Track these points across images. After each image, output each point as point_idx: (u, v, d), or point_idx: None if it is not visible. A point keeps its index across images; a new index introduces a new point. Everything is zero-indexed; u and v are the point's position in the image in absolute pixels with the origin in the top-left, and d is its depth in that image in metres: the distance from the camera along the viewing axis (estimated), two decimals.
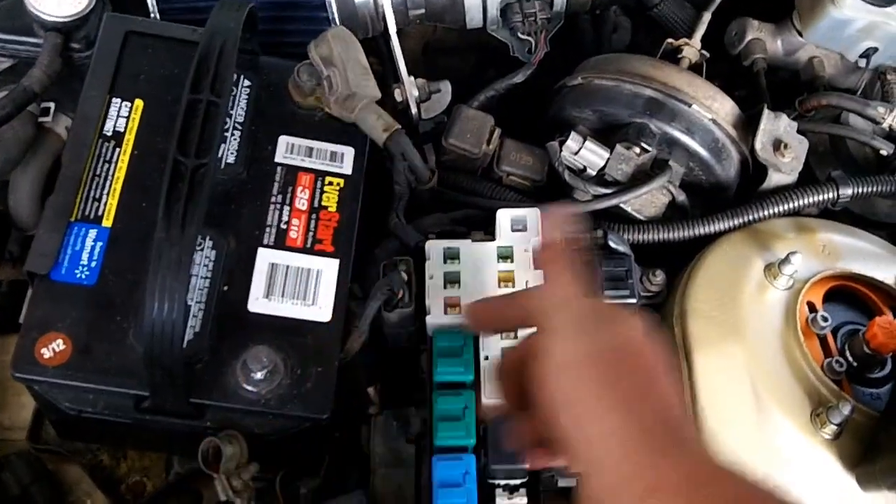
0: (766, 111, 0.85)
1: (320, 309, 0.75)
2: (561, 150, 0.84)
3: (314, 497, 0.76)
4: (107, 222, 0.75)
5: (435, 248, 0.76)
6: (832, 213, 0.86)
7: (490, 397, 0.69)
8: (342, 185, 0.81)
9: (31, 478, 0.83)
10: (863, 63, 0.94)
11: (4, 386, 0.86)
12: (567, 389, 0.51)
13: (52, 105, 0.87)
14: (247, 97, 0.82)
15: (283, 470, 0.77)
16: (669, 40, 0.92)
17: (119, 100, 0.80)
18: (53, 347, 0.71)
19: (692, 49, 0.91)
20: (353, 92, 0.80)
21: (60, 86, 0.85)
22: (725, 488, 0.48)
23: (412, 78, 0.89)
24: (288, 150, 0.81)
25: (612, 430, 0.49)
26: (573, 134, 0.83)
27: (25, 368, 0.70)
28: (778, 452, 0.72)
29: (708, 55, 0.92)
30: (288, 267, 0.76)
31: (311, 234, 0.78)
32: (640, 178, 0.83)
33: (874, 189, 0.84)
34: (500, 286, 0.75)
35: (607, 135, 0.85)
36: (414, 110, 0.89)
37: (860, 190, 0.84)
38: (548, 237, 0.61)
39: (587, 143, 0.83)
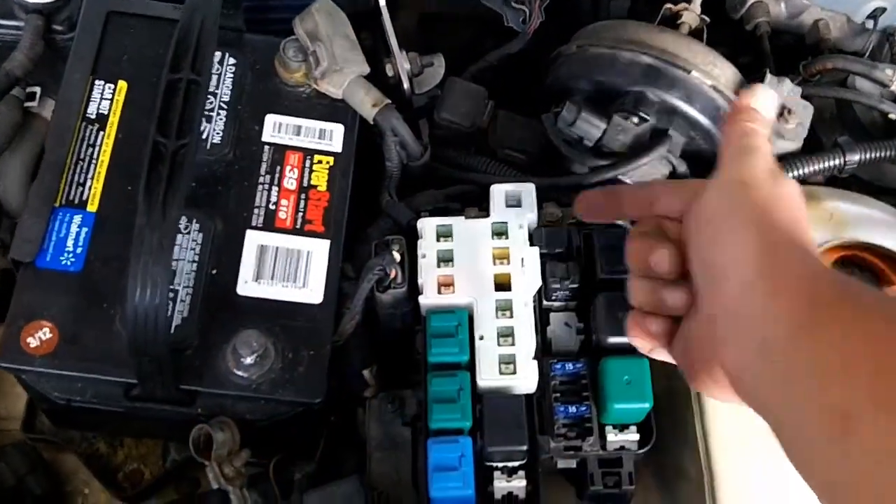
0: (768, 76, 0.82)
1: (311, 291, 0.74)
2: (556, 122, 0.82)
3: (309, 482, 0.75)
4: (92, 207, 0.74)
5: (427, 225, 0.74)
6: (839, 181, 0.84)
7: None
8: (332, 163, 0.79)
9: (27, 468, 0.82)
10: (870, 24, 0.91)
11: (0, 376, 0.85)
12: (721, 205, 0.55)
13: (37, 89, 0.86)
14: (232, 76, 0.80)
15: (277, 455, 0.75)
16: (668, 5, 0.89)
17: (102, 81, 0.79)
18: (40, 336, 0.70)
19: (692, 14, 0.88)
20: (340, 67, 0.79)
21: (46, 69, 0.84)
22: (845, 289, 0.49)
23: (404, 52, 0.86)
24: (275, 128, 0.79)
25: (756, 242, 0.52)
26: (568, 104, 0.81)
27: (11, 358, 0.69)
28: None
29: (708, 20, 0.89)
30: (277, 248, 0.75)
31: (300, 214, 0.76)
32: (638, 148, 0.80)
33: (882, 154, 0.82)
34: (494, 263, 0.73)
35: (605, 104, 0.82)
36: (406, 85, 0.86)
37: (868, 156, 0.81)
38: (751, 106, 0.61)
39: (583, 113, 0.80)
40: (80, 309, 0.71)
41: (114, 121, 0.77)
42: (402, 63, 0.86)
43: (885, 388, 0.44)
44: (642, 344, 0.62)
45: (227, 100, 0.79)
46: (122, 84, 0.79)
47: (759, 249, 0.52)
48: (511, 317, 0.71)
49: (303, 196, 0.77)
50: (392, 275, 0.74)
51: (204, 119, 0.77)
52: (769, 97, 0.61)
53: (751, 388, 0.51)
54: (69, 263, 0.72)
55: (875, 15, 0.91)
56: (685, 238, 0.58)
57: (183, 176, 0.64)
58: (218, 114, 0.78)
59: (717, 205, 0.56)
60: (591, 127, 0.81)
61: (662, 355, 0.62)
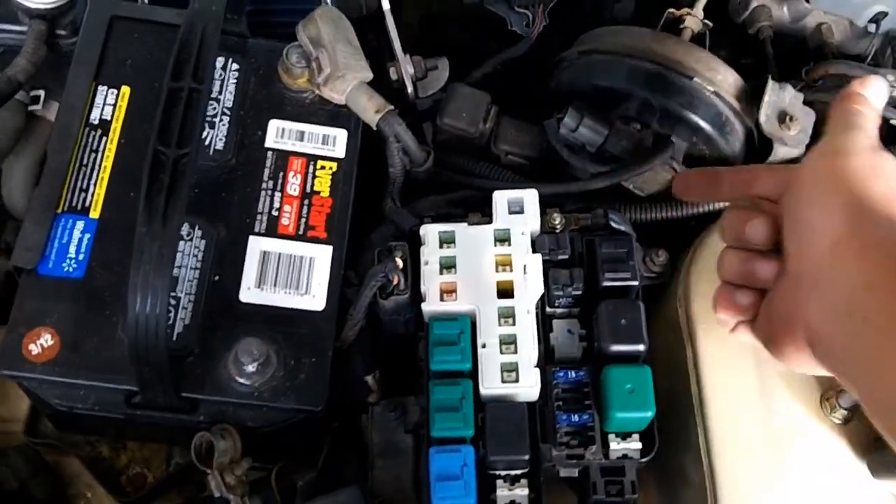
0: (770, 82, 0.82)
1: (314, 298, 0.74)
2: (559, 128, 0.82)
3: (311, 490, 0.74)
4: (94, 213, 0.74)
5: (430, 232, 0.74)
6: None
7: None
8: (335, 169, 0.79)
9: (30, 472, 0.82)
10: (872, 28, 0.91)
11: (3, 378, 0.85)
12: (824, 167, 0.57)
13: (42, 93, 0.85)
14: (235, 81, 0.80)
15: (279, 462, 0.75)
16: (671, 10, 0.89)
17: (105, 87, 0.79)
18: (41, 343, 0.69)
19: (694, 19, 0.88)
20: (342, 73, 0.78)
21: (50, 73, 0.83)
22: None
23: (408, 55, 0.86)
24: (278, 134, 0.79)
25: (849, 202, 0.54)
26: (571, 110, 0.81)
27: (13, 365, 0.69)
28: (787, 437, 0.70)
29: (711, 25, 0.89)
30: (280, 255, 0.75)
31: (303, 220, 0.76)
32: (641, 154, 0.80)
33: None
34: (497, 270, 0.73)
35: (607, 110, 0.82)
36: (410, 89, 0.86)
37: None
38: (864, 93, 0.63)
39: (585, 119, 0.80)
40: (81, 316, 0.70)
41: (117, 127, 0.77)
42: (406, 67, 0.85)
43: None
44: (728, 319, 0.63)
45: (230, 105, 0.79)
46: (126, 89, 0.79)
47: (852, 212, 0.53)
48: (514, 324, 0.71)
49: (306, 202, 0.77)
50: (395, 281, 0.73)
51: (207, 125, 0.77)
52: (881, 88, 0.63)
53: (833, 349, 0.53)
54: (71, 270, 0.72)
55: (877, 19, 0.90)
56: (782, 211, 0.60)
57: (184, 185, 0.64)
58: (221, 119, 0.78)
59: (816, 168, 0.58)
60: (593, 133, 0.80)
61: (744, 333, 0.63)
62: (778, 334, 0.58)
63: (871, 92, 0.62)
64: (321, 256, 0.75)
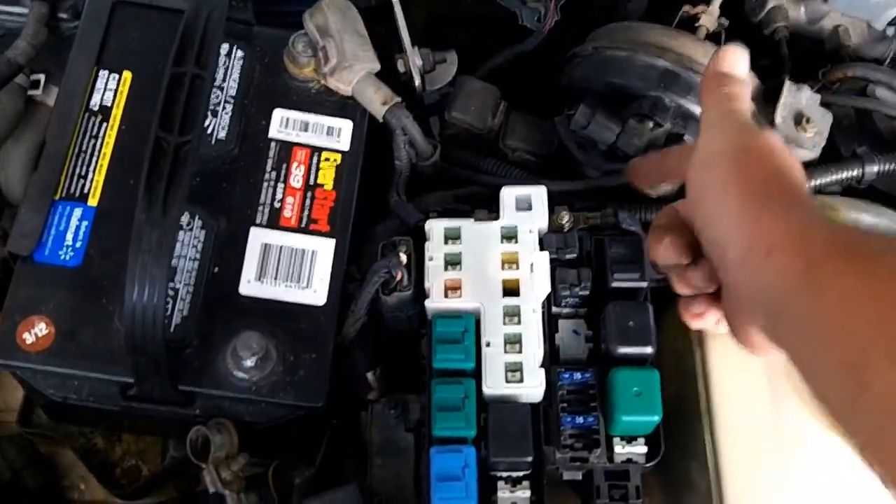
0: (787, 83, 0.80)
1: (315, 292, 0.72)
2: (569, 124, 0.80)
3: (308, 487, 0.73)
4: (93, 201, 0.73)
5: (435, 227, 0.73)
6: (857, 191, 0.82)
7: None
8: (339, 161, 0.77)
9: (23, 462, 0.81)
10: (891, 31, 0.89)
11: None
12: (703, 179, 0.56)
13: (42, 77, 0.84)
14: (240, 69, 0.79)
15: (276, 459, 0.74)
16: (686, 7, 0.87)
17: (106, 72, 0.77)
18: (36, 332, 0.68)
19: (710, 17, 0.86)
20: (350, 63, 0.77)
21: (51, 57, 0.82)
22: (839, 239, 0.49)
23: (416, 48, 0.85)
24: (282, 124, 0.78)
25: (737, 206, 0.53)
26: (582, 107, 0.79)
27: (7, 355, 0.68)
28: (795, 444, 0.68)
29: (727, 23, 0.87)
30: (281, 248, 0.73)
31: (305, 212, 0.75)
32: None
33: None
34: (503, 268, 0.71)
35: (619, 107, 0.81)
36: (417, 81, 0.85)
37: (887, 167, 0.79)
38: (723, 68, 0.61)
39: (597, 116, 0.79)
40: (77, 305, 0.69)
41: (117, 113, 0.76)
42: (414, 59, 0.84)
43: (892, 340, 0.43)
44: (700, 325, 0.62)
45: (233, 94, 0.77)
46: (127, 75, 0.77)
47: (750, 215, 0.52)
48: (519, 323, 0.69)
49: (309, 194, 0.75)
50: (398, 277, 0.72)
51: (209, 113, 0.75)
52: (739, 56, 0.61)
53: (777, 345, 0.51)
54: (68, 258, 0.71)
55: None
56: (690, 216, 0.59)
57: (185, 173, 0.63)
58: (224, 108, 0.76)
59: (703, 181, 0.56)
60: (604, 130, 0.79)
61: (724, 328, 0.61)
62: (740, 331, 0.57)
63: (734, 65, 0.60)
64: (323, 250, 0.74)
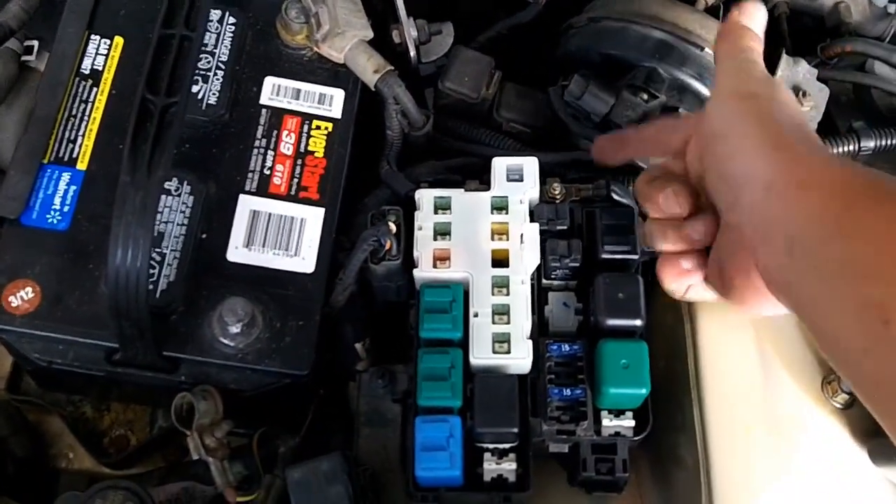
0: (784, 56, 0.79)
1: (303, 260, 0.72)
2: (563, 95, 0.79)
3: (293, 456, 0.72)
4: (81, 165, 0.72)
5: (425, 196, 0.72)
6: None
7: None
8: (330, 129, 0.77)
9: (10, 430, 0.80)
10: (892, 9, 0.89)
11: None
12: (723, 116, 0.55)
13: (35, 43, 0.83)
14: (231, 35, 0.78)
15: (262, 427, 0.73)
16: None
17: (98, 36, 0.77)
18: (22, 295, 0.68)
19: None
20: (342, 30, 0.76)
21: (44, 23, 0.81)
22: (876, 183, 0.48)
23: (412, 19, 0.84)
24: (274, 91, 0.77)
25: (763, 140, 0.52)
26: (576, 78, 0.78)
27: None
28: (786, 420, 0.68)
29: None
30: (270, 215, 0.73)
31: (295, 180, 0.74)
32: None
33: None
34: (493, 238, 0.71)
35: (614, 79, 0.80)
36: (412, 53, 0.84)
37: (883, 142, 0.79)
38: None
39: (591, 87, 0.78)
40: (64, 269, 0.69)
41: (108, 77, 0.75)
42: (409, 30, 0.83)
43: None
44: (678, 286, 0.61)
45: (225, 60, 0.76)
46: (119, 40, 0.76)
47: (775, 149, 0.51)
48: (507, 294, 0.69)
49: (299, 162, 0.75)
50: (387, 246, 0.71)
51: (200, 79, 0.75)
52: (759, 12, 0.60)
53: (785, 287, 0.51)
54: (55, 222, 0.70)
55: None
56: (694, 165, 0.59)
57: (171, 135, 0.62)
58: (215, 74, 0.76)
59: (723, 118, 0.55)
60: (598, 102, 0.78)
61: (698, 292, 0.61)
62: (734, 283, 0.56)
63: (753, 21, 0.60)
64: (313, 218, 0.73)
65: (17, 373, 0.83)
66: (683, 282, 0.60)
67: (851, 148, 0.78)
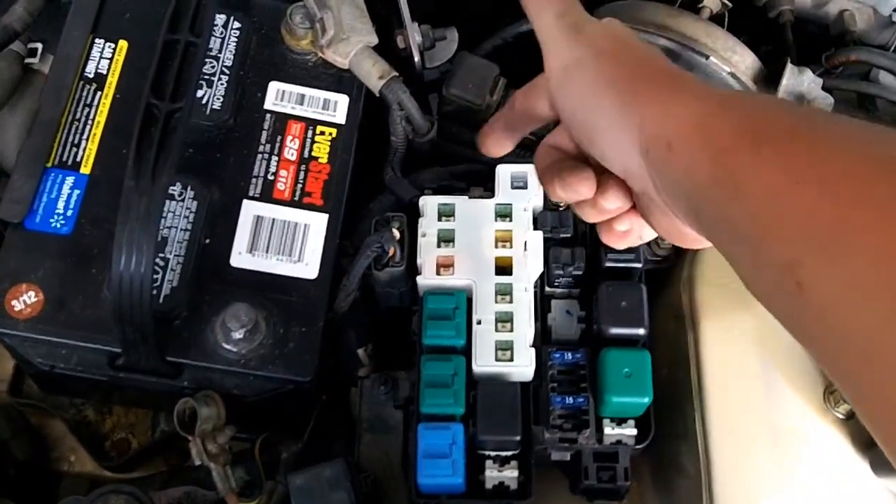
0: (789, 65, 0.79)
1: (307, 266, 0.71)
2: None
3: (296, 462, 0.73)
4: (85, 169, 0.72)
5: (429, 203, 0.72)
6: None
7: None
8: (334, 134, 0.77)
9: (11, 433, 0.80)
10: None
11: None
12: (568, 94, 0.52)
13: (39, 46, 0.83)
14: (236, 40, 0.77)
15: (264, 433, 0.73)
16: None
17: (102, 40, 0.76)
18: (25, 299, 0.68)
19: None
20: (347, 36, 0.76)
21: (48, 25, 0.81)
22: (747, 123, 0.43)
23: (416, 24, 0.84)
24: (278, 96, 0.77)
25: (615, 108, 0.49)
26: None
27: None
28: (787, 430, 0.68)
29: (730, 5, 0.86)
30: (274, 220, 0.73)
31: (299, 186, 0.74)
32: None
33: None
34: (496, 246, 0.71)
35: None
36: (417, 58, 0.84)
37: None
38: None
39: None
40: (67, 273, 0.69)
41: (112, 81, 0.75)
42: (413, 35, 0.83)
43: (826, 236, 0.38)
44: (627, 243, 0.57)
45: (229, 64, 0.76)
46: (123, 44, 0.76)
47: (624, 113, 0.48)
48: (511, 302, 0.69)
49: (303, 167, 0.75)
50: (391, 252, 0.71)
51: (204, 83, 0.74)
52: None
53: (715, 244, 0.47)
54: (59, 226, 0.70)
55: None
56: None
57: (175, 140, 0.62)
58: (219, 79, 0.75)
59: (567, 100, 0.52)
60: None
61: (649, 235, 0.57)
62: (669, 232, 0.53)
63: None
64: (316, 224, 0.73)
65: (19, 376, 0.83)
66: (628, 241, 0.57)
67: None
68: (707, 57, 0.77)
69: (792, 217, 0.39)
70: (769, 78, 0.81)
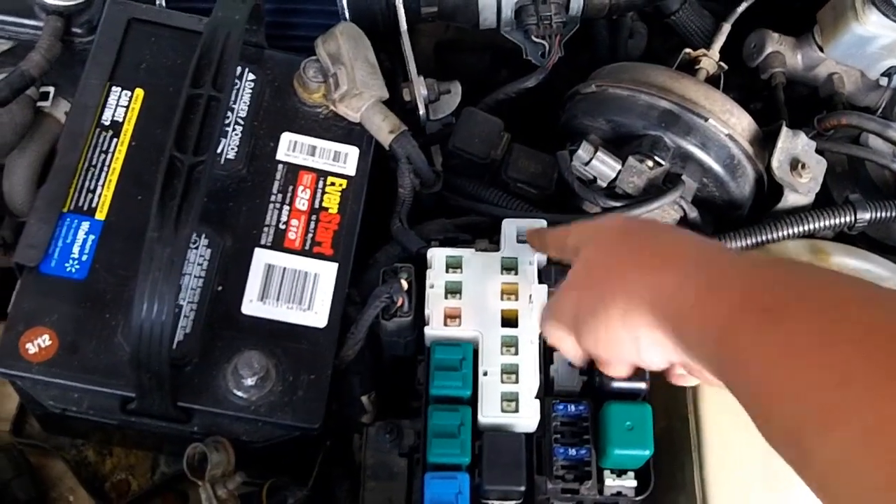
0: (784, 129, 0.82)
1: (316, 314, 0.73)
2: (571, 160, 0.82)
3: None
4: (100, 215, 0.73)
5: (437, 255, 0.74)
6: (848, 237, 0.84)
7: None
8: (344, 185, 0.78)
9: (13, 472, 0.81)
10: (884, 82, 0.92)
11: None
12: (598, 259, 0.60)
13: (51, 89, 0.85)
14: (250, 91, 0.80)
15: (269, 477, 0.74)
16: (687, 50, 0.89)
17: (119, 88, 0.78)
18: (39, 343, 0.69)
19: (710, 60, 0.88)
20: (359, 91, 0.78)
21: (61, 70, 0.83)
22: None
23: (422, 77, 0.86)
24: (290, 147, 0.79)
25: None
26: (584, 143, 0.81)
27: (9, 364, 0.68)
28: (785, 482, 0.69)
29: (726, 67, 0.89)
30: (285, 269, 0.74)
31: (310, 235, 0.76)
32: (651, 191, 0.80)
33: (892, 214, 0.82)
34: (502, 298, 0.72)
35: (620, 145, 0.82)
36: (422, 111, 0.86)
37: (878, 215, 0.81)
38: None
39: (599, 153, 0.80)
40: (81, 318, 0.70)
41: (128, 128, 0.77)
42: (419, 88, 0.85)
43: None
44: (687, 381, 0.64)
45: (243, 115, 0.78)
46: (139, 92, 0.78)
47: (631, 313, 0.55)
48: (516, 353, 0.70)
49: (313, 217, 0.76)
50: (399, 303, 0.73)
51: None
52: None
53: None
54: (73, 271, 0.71)
55: (890, 73, 0.91)
56: None
57: (198, 193, 0.64)
58: (234, 129, 0.77)
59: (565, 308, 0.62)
60: (605, 167, 0.80)
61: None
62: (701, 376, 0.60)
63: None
64: (326, 273, 0.75)
65: (22, 415, 0.84)
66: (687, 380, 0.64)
67: (848, 219, 0.81)
68: (706, 119, 0.80)
69: (792, 388, 0.43)
70: (763, 139, 0.83)
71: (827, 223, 0.80)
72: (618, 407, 0.68)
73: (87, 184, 0.74)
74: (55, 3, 0.81)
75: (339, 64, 0.78)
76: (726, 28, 0.92)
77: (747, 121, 0.82)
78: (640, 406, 0.68)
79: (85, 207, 0.73)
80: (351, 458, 0.77)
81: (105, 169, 0.75)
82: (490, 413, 0.68)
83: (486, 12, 0.90)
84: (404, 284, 0.73)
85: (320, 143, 0.79)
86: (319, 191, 0.78)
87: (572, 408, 0.70)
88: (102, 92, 0.77)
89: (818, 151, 0.84)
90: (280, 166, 0.78)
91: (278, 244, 0.75)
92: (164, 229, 0.62)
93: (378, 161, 0.81)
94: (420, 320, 0.73)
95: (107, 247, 0.72)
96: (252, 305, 0.72)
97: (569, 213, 0.81)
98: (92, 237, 0.72)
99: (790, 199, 0.81)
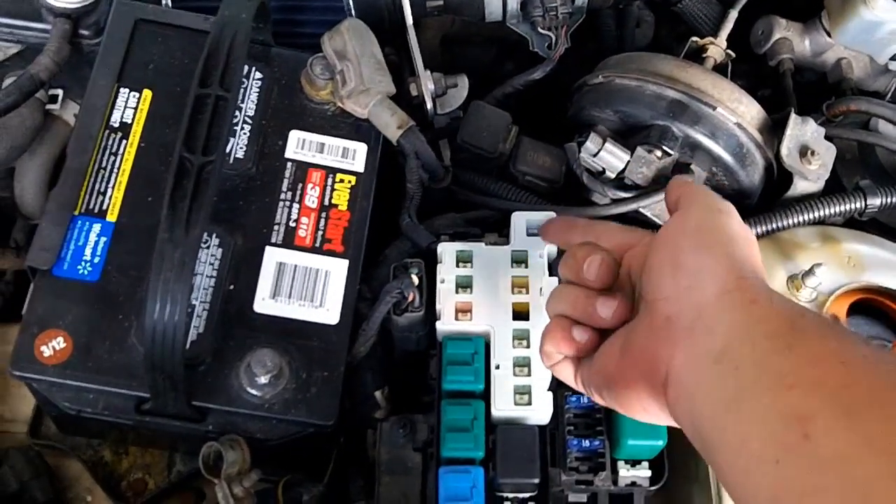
0: (792, 116, 0.82)
1: (328, 311, 0.73)
2: (580, 151, 0.82)
3: None
4: (111, 217, 0.74)
5: (447, 250, 0.74)
6: (858, 223, 0.83)
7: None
8: (353, 182, 0.79)
9: (31, 473, 0.81)
10: (893, 66, 0.92)
11: (6, 377, 0.84)
12: (697, 220, 0.57)
13: (60, 92, 0.85)
14: (258, 90, 0.80)
15: (284, 474, 0.75)
16: (694, 39, 0.89)
17: (127, 90, 0.78)
18: (53, 345, 0.69)
19: (717, 48, 0.88)
20: (366, 87, 0.78)
21: (69, 73, 0.83)
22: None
23: (428, 72, 0.86)
24: (299, 145, 0.79)
25: (725, 255, 0.54)
26: (592, 135, 0.81)
27: (24, 366, 0.68)
28: None
29: (734, 55, 0.89)
30: (296, 267, 0.74)
31: (320, 232, 0.76)
32: (660, 182, 0.80)
33: None
34: (513, 291, 0.73)
35: (628, 136, 0.82)
36: (429, 105, 0.86)
37: (889, 200, 0.81)
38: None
39: (607, 144, 0.80)
40: (94, 319, 0.70)
41: (137, 130, 0.77)
42: (426, 83, 0.85)
43: (848, 397, 0.44)
44: (553, 351, 0.62)
45: (251, 114, 0.79)
46: (147, 93, 0.78)
47: (739, 266, 0.53)
48: (528, 347, 0.71)
49: (323, 214, 0.77)
50: (410, 298, 0.73)
51: None
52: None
53: (694, 393, 0.51)
54: (86, 273, 0.71)
55: None
56: (636, 261, 0.61)
57: (208, 193, 0.64)
58: (242, 128, 0.78)
59: (705, 220, 0.57)
60: (614, 158, 0.80)
61: (565, 372, 0.62)
62: (628, 375, 0.56)
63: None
64: (337, 270, 0.75)
65: (38, 417, 0.84)
66: (562, 349, 0.61)
67: (858, 205, 0.80)
68: (714, 108, 0.79)
69: (826, 384, 0.45)
70: (772, 126, 0.83)
71: (837, 210, 0.80)
72: None
73: (97, 186, 0.74)
74: (62, 5, 0.81)
75: (346, 60, 0.79)
76: (733, 15, 0.92)
77: (756, 109, 0.82)
78: None
79: (96, 210, 0.74)
80: (365, 454, 0.77)
81: (115, 171, 0.75)
82: (503, 406, 0.68)
83: (492, 5, 0.89)
84: (415, 280, 0.73)
85: (329, 140, 0.79)
86: (329, 188, 0.78)
87: (585, 399, 0.70)
88: (111, 93, 0.77)
89: (827, 138, 0.84)
90: (289, 164, 0.78)
91: (289, 242, 0.75)
92: (174, 230, 0.62)
93: (387, 157, 0.81)
94: (431, 315, 0.73)
95: (119, 248, 0.72)
96: (264, 304, 0.73)
97: (577, 205, 0.81)
98: (104, 239, 0.73)
99: (800, 187, 0.81)
